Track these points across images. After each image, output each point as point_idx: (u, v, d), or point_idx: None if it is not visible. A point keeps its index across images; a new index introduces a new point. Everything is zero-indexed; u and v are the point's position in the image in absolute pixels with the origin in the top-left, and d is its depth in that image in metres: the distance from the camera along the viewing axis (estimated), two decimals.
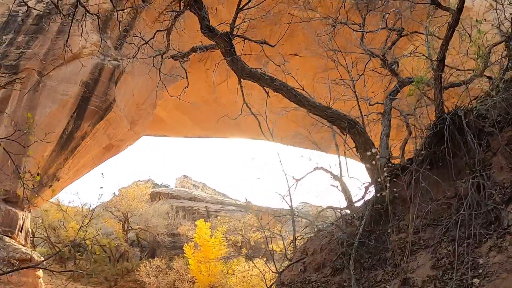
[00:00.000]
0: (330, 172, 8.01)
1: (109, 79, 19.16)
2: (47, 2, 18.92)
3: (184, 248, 31.41)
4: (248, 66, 7.71)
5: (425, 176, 4.76)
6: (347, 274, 4.73)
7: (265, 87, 7.73)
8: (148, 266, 31.22)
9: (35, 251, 22.03)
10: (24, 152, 17.42)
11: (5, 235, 15.29)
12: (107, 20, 19.68)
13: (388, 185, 5.11)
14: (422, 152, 4.95)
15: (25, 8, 18.62)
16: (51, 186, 18.87)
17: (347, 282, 4.67)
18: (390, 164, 5.90)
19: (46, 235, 34.58)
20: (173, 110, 34.83)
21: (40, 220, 33.56)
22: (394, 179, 5.42)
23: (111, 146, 22.68)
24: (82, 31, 10.23)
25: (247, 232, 36.41)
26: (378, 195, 5.49)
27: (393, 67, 9.68)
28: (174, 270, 31.10)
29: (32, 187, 18.53)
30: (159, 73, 9.17)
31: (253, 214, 41.45)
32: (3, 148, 16.51)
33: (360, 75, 10.98)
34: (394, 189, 5.22)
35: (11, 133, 17.07)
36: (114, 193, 46.17)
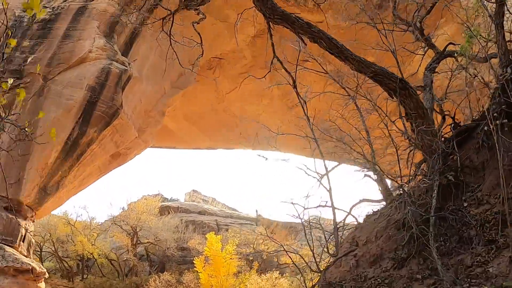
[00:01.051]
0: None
1: (116, 83, 18.51)
2: (53, 8, 18.47)
3: (194, 262, 30.33)
4: (280, 7, 6.46)
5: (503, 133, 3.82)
6: (417, 264, 3.74)
7: (300, 34, 6.48)
8: (158, 281, 30.18)
9: (42, 264, 21.24)
10: (27, 159, 16.83)
11: (5, 245, 14.49)
12: (113, 24, 19.14)
13: (455, 150, 4.15)
14: (494, 105, 4.00)
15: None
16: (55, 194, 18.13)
17: (421, 274, 3.66)
18: (456, 124, 4.88)
19: (54, 249, 33.77)
20: (182, 121, 34.14)
21: (48, 234, 32.79)
22: (458, 146, 4.46)
23: (118, 154, 21.93)
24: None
25: (259, 245, 35.30)
26: (443, 165, 4.46)
27: (429, 37, 8.73)
28: (184, 285, 30.08)
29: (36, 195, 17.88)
30: (170, 39, 8.22)
31: (264, 227, 40.38)
32: (7, 152, 15.87)
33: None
34: (461, 156, 4.25)
35: (14, 139, 16.46)
36: (123, 207, 45.47)
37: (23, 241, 15.91)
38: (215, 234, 33.80)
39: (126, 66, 19.13)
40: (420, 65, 10.45)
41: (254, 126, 35.03)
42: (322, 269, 5.81)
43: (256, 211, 52.36)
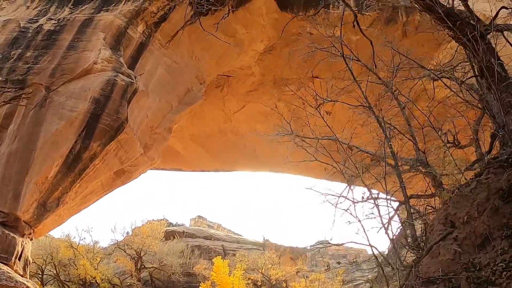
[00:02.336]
0: None
1: (122, 96, 17.76)
2: (59, 19, 17.98)
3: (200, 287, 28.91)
4: None
5: None
6: None
7: None
8: None
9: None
10: (26, 172, 15.92)
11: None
12: (120, 37, 18.57)
13: None
14: None
15: (36, 24, 17.70)
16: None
17: None
18: None
19: (55, 272, 32.44)
20: (188, 142, 33.27)
21: (50, 257, 31.57)
22: None
23: (123, 171, 20.99)
24: None
25: (268, 270, 33.81)
26: None
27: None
28: None
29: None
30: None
31: (271, 253, 38.90)
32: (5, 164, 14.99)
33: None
34: None
35: (13, 151, 15.63)
36: (127, 232, 44.14)
37: (19, 259, 14.82)
38: (222, 259, 32.50)
39: (132, 79, 18.44)
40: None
41: (263, 147, 34.16)
42: (407, 264, 4.68)
43: (263, 236, 51.00)
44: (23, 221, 15.56)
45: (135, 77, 18.91)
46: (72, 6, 18.50)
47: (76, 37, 17.38)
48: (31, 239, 16.73)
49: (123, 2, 18.93)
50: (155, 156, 22.84)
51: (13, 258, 14.31)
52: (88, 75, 17.11)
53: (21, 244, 15.21)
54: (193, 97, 23.54)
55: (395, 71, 10.70)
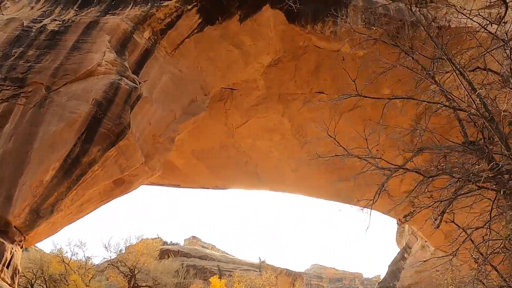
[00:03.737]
0: None
1: (125, 101, 16.89)
2: (63, 20, 17.28)
3: None
4: None
5: None
6: None
7: None
8: None
9: None
10: (20, 174, 14.84)
11: None
12: (125, 41, 17.86)
13: None
14: None
15: (39, 24, 16.97)
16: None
17: None
18: None
19: (45, 287, 30.77)
20: (189, 157, 32.22)
21: (40, 271, 29.97)
22: None
23: (122, 181, 19.91)
24: None
25: None
26: None
27: None
28: None
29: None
30: None
31: (269, 273, 37.43)
32: None
33: None
34: None
35: (8, 151, 14.58)
36: (120, 250, 42.50)
37: (7, 267, 13.57)
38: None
39: (137, 84, 17.62)
40: None
41: (265, 164, 33.15)
42: None
43: (259, 257, 49.49)
44: (14, 226, 14.38)
45: (139, 83, 18.12)
46: (77, 8, 17.84)
47: (80, 38, 16.63)
48: (22, 247, 15.49)
49: (130, 7, 18.32)
50: (157, 166, 21.82)
51: (0, 265, 13.08)
52: (91, 77, 16.28)
53: (11, 251, 14.00)
54: (197, 107, 22.72)
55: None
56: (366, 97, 14.58)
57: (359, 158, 11.74)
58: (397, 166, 11.50)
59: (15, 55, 15.66)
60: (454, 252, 11.56)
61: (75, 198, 17.18)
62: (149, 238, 48.87)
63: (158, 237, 53.05)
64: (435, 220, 9.89)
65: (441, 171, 10.09)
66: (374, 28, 20.35)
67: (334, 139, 13.41)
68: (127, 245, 39.87)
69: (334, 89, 24.48)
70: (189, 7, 19.23)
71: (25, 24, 16.64)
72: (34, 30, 16.49)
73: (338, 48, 21.67)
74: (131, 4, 18.30)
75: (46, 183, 15.21)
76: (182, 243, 59.44)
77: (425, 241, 35.51)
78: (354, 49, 21.54)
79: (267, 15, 20.61)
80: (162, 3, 18.72)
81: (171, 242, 56.69)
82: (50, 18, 17.19)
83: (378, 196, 11.64)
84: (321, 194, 34.29)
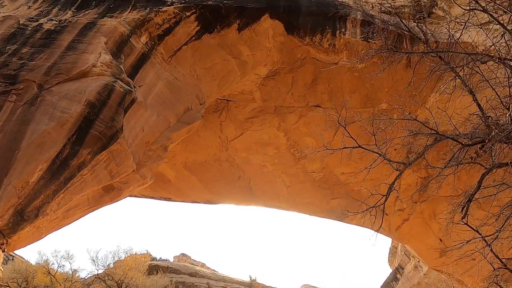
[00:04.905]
0: None
1: (119, 103, 16.39)
2: (60, 20, 16.90)
3: None
4: None
5: None
6: None
7: None
8: None
9: None
10: (5, 174, 14.14)
11: None
12: (122, 44, 17.49)
13: None
14: None
15: (35, 23, 16.57)
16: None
17: None
18: None
19: None
20: (181, 169, 31.48)
21: (25, 282, 28.76)
22: None
23: (112, 187, 19.16)
24: None
25: None
26: None
27: None
28: None
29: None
30: None
31: None
32: None
33: None
34: None
35: None
36: (108, 264, 41.18)
37: None
38: None
39: (131, 88, 17.15)
40: None
41: (258, 180, 32.48)
42: None
43: (250, 276, 48.34)
44: None
45: (134, 87, 17.65)
46: (75, 10, 17.50)
47: (76, 38, 16.23)
48: (4, 251, 14.65)
49: (128, 10, 18.02)
50: (148, 175, 21.10)
51: None
52: (85, 78, 15.80)
53: None
54: (192, 116, 22.22)
55: None
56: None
57: (371, 151, 11.32)
58: (409, 161, 11.02)
59: (9, 52, 15.19)
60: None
61: (62, 202, 16.40)
62: (138, 253, 47.66)
63: (147, 253, 51.70)
64: (463, 208, 9.30)
65: (479, 138, 9.53)
66: (373, 41, 20.20)
67: (345, 128, 13.34)
68: (115, 259, 38.73)
69: (331, 103, 24.19)
70: (188, 13, 18.98)
71: (21, 22, 16.24)
72: (29, 28, 16.08)
73: (337, 60, 21.47)
74: (130, 7, 18.01)
75: (32, 184, 14.51)
76: (171, 260, 57.98)
77: (418, 261, 34.80)
78: (353, 62, 21.36)
79: (266, 25, 20.41)
80: (161, 8, 18.47)
81: (160, 258, 55.28)
82: (47, 18, 16.82)
83: (389, 194, 11.21)
84: (315, 212, 33.60)
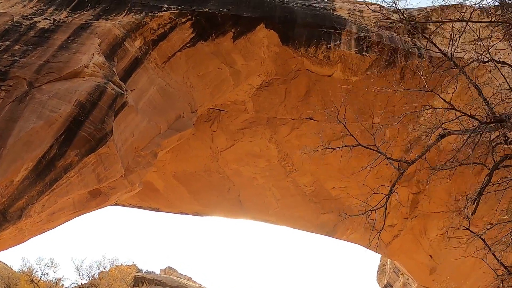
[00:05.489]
0: None
1: (110, 106, 16.11)
2: (54, 20, 16.74)
3: None
4: None
5: None
6: None
7: None
8: None
9: None
10: None
11: None
12: (116, 47, 17.33)
13: None
14: None
15: (29, 22, 16.38)
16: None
17: None
18: None
19: None
20: (170, 179, 30.99)
21: None
22: None
23: (99, 192, 18.72)
24: None
25: None
26: None
27: None
28: None
29: None
30: None
31: None
32: None
33: None
34: None
35: None
36: (93, 274, 40.20)
37: None
38: None
39: (123, 91, 16.92)
40: None
41: (248, 192, 32.09)
42: None
43: None
44: None
45: (126, 90, 17.42)
46: (70, 10, 17.38)
47: (70, 38, 16.05)
48: None
49: (123, 14, 17.93)
50: (136, 181, 20.69)
51: None
52: (77, 78, 15.56)
53: None
54: (184, 124, 21.97)
55: None
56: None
57: (371, 149, 11.14)
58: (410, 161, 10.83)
59: (1, 48, 14.94)
60: None
61: (47, 204, 15.94)
62: (124, 264, 46.65)
63: (133, 264, 50.67)
64: (474, 201, 9.04)
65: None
66: (367, 55, 20.29)
67: (344, 125, 13.17)
68: (101, 269, 37.84)
69: (323, 116, 24.10)
70: (183, 19, 18.95)
71: (15, 20, 16.06)
72: (23, 26, 15.89)
73: (331, 73, 21.50)
74: (126, 11, 17.93)
75: (16, 183, 14.09)
76: (157, 272, 56.84)
77: (407, 279, 34.44)
78: (347, 75, 21.41)
79: (261, 35, 20.42)
80: (157, 13, 18.42)
81: (146, 270, 54.17)
82: (41, 17, 16.68)
83: (390, 195, 11.03)
84: (305, 226, 33.19)
